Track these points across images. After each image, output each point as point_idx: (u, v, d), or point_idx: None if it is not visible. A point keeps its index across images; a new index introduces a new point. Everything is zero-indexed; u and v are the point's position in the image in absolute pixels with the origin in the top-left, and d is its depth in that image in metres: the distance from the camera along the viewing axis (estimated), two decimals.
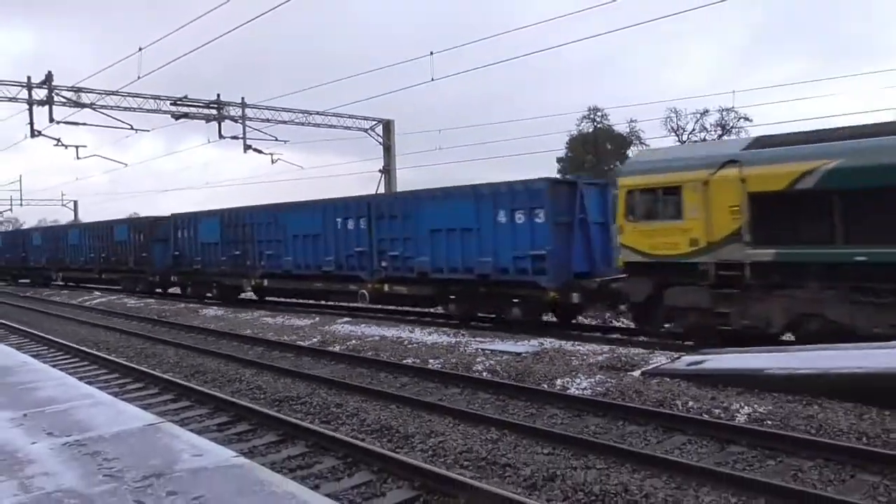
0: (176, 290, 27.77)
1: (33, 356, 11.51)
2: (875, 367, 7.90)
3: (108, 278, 31.94)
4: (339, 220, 18.57)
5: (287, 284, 20.94)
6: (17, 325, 18.47)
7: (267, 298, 24.02)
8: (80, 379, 8.88)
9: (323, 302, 21.81)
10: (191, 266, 24.48)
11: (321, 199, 19.57)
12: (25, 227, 65.88)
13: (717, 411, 7.68)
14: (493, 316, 15.74)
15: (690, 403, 7.98)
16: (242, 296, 24.66)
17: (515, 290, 14.71)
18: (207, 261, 23.68)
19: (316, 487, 5.77)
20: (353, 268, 18.16)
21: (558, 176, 13.68)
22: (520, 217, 14.45)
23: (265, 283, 21.64)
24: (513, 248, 14.44)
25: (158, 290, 28.89)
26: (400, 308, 18.76)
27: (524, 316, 14.62)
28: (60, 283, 36.94)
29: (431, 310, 18.26)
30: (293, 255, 19.96)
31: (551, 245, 13.97)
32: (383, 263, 17.32)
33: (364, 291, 17.82)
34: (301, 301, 22.82)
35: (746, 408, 7.63)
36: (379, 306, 19.00)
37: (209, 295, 24.48)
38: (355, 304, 19.20)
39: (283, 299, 23.39)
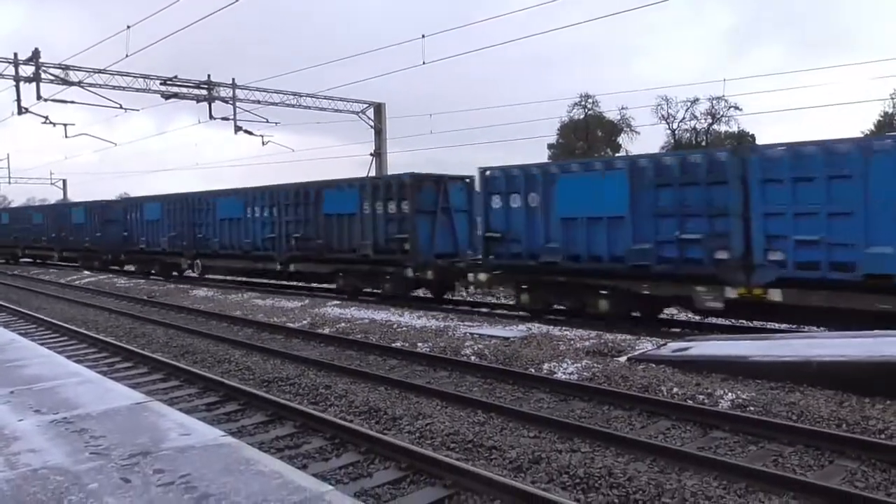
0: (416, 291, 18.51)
1: (21, 334, 11.49)
2: (857, 356, 8.02)
3: (306, 271, 20.65)
4: None
5: (840, 301, 10.26)
6: (5, 303, 18.37)
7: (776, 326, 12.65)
8: (69, 357, 8.88)
9: None
10: (535, 258, 14.31)
11: None
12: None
13: (701, 397, 7.77)
14: None
15: (675, 389, 8.07)
16: (663, 317, 14.28)
17: None
18: (575, 249, 13.62)
19: (304, 467, 5.80)
20: None
21: None
22: None
23: (766, 294, 10.96)
24: None
25: (417, 294, 18.71)
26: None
27: None
28: (196, 274, 25.68)
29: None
30: None
31: None
32: None
33: None
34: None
35: (730, 394, 7.73)
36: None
37: (593, 312, 13.62)
38: None
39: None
